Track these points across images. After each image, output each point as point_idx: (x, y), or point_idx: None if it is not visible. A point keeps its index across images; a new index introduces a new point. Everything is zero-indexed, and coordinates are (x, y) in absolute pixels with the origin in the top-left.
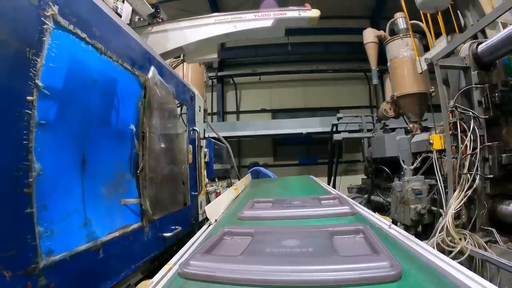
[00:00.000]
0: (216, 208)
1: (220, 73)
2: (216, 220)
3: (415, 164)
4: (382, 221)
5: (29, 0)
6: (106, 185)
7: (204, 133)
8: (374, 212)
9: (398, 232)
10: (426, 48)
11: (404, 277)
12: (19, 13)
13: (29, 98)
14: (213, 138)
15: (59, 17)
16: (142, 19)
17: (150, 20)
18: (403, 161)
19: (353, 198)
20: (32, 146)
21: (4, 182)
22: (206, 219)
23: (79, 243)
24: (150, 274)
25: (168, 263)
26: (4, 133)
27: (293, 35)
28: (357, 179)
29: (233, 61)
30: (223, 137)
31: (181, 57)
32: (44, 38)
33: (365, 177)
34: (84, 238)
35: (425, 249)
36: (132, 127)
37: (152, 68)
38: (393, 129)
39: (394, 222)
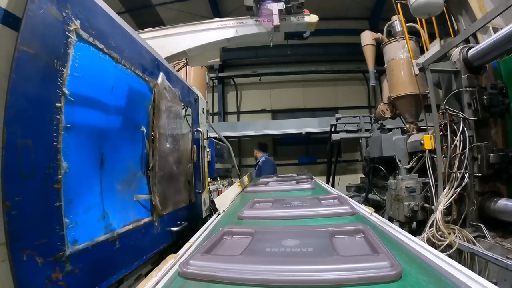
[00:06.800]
0: (223, 200)
1: (221, 74)
2: (224, 211)
3: (410, 164)
4: (365, 210)
5: (55, 17)
6: (121, 182)
7: (207, 134)
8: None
9: (379, 220)
10: (423, 50)
11: (404, 277)
12: (47, 28)
13: (57, 104)
14: (215, 138)
15: (81, 31)
16: None
17: None
18: (399, 160)
19: (351, 197)
20: (60, 147)
21: (38, 178)
22: (209, 215)
23: (99, 234)
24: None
25: (188, 242)
26: (38, 136)
27: (293, 38)
28: (356, 178)
29: (233, 62)
30: (224, 137)
31: (185, 60)
32: (68, 51)
33: (363, 176)
34: (102, 230)
35: (425, 249)
36: (143, 129)
37: (161, 74)
38: (390, 129)
39: (390, 219)
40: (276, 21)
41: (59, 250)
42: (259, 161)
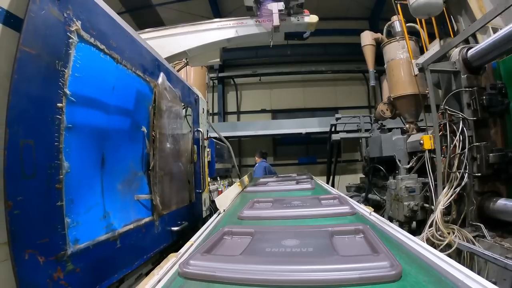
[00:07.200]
0: (224, 200)
1: (221, 74)
2: (224, 210)
3: (410, 164)
4: (364, 210)
5: (56, 18)
6: (122, 182)
7: (207, 134)
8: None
9: (378, 219)
10: (423, 50)
11: (404, 277)
12: (48, 29)
13: (59, 105)
14: (215, 138)
15: (82, 31)
16: None
17: None
18: (399, 160)
19: (351, 197)
20: (62, 147)
21: (40, 178)
22: (210, 215)
23: (100, 233)
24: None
25: (189, 241)
26: (40, 136)
27: (293, 38)
28: (356, 178)
29: (233, 62)
30: (224, 137)
31: (185, 60)
32: (70, 51)
33: (363, 176)
34: (104, 229)
35: (425, 249)
36: (144, 129)
37: (162, 75)
38: (390, 129)
39: (390, 219)
40: (276, 21)
41: (60, 249)
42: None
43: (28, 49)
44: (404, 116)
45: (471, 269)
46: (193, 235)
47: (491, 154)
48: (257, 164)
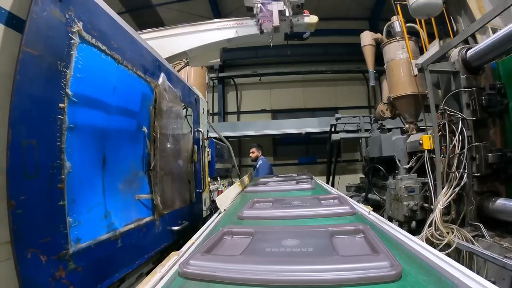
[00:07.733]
0: (224, 199)
1: (221, 74)
2: (224, 210)
3: (410, 163)
4: (363, 209)
5: (58, 19)
6: (123, 181)
7: (208, 134)
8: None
9: (377, 218)
10: (422, 50)
11: (404, 277)
12: (50, 30)
13: (61, 105)
14: (215, 138)
15: (84, 32)
16: None
17: None
18: (399, 160)
19: (350, 197)
20: (64, 147)
21: (42, 178)
22: (210, 215)
23: (101, 233)
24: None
25: (191, 239)
26: (42, 136)
27: (293, 38)
28: (356, 178)
29: (233, 62)
30: (224, 137)
31: (185, 61)
32: (72, 52)
33: (363, 176)
34: (105, 229)
35: (425, 249)
36: (144, 129)
37: (162, 75)
38: (390, 129)
39: (390, 218)
40: (276, 22)
41: (62, 248)
42: (257, 163)
43: (30, 50)
44: (404, 116)
45: (470, 268)
46: (194, 234)
47: (490, 154)
48: (260, 162)
